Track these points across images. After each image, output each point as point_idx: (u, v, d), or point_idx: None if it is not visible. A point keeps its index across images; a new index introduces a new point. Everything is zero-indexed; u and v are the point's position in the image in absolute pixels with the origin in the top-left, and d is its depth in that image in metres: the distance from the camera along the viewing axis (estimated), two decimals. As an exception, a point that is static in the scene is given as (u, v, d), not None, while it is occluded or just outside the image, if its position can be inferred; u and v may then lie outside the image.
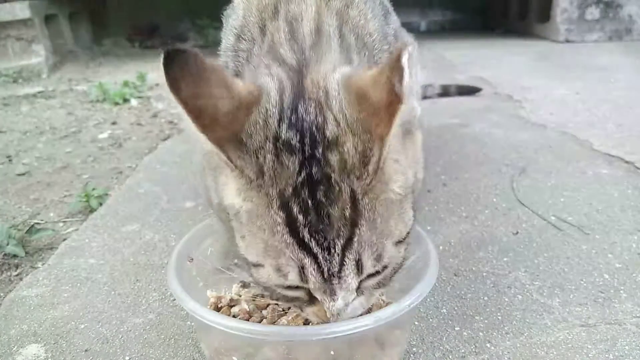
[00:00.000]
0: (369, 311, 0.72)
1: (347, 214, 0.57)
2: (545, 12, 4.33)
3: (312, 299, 0.63)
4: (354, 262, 0.58)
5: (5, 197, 1.57)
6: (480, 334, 0.84)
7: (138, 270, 1.09)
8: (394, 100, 0.52)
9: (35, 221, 1.39)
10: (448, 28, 5.86)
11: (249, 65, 0.76)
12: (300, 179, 0.57)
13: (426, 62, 2.83)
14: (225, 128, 0.56)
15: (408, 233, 0.65)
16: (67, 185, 1.66)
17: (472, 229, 1.19)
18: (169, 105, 2.70)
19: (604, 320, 0.86)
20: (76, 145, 2.08)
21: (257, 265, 0.61)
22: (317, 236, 0.57)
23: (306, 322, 0.73)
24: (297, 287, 0.61)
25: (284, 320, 0.76)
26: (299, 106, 0.60)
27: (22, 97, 2.95)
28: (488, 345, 0.82)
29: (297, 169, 0.57)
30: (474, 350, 0.81)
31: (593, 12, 4.08)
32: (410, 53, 0.52)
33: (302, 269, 0.58)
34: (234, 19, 0.87)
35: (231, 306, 0.82)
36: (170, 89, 0.54)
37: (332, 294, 0.59)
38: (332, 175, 0.57)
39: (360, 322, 0.61)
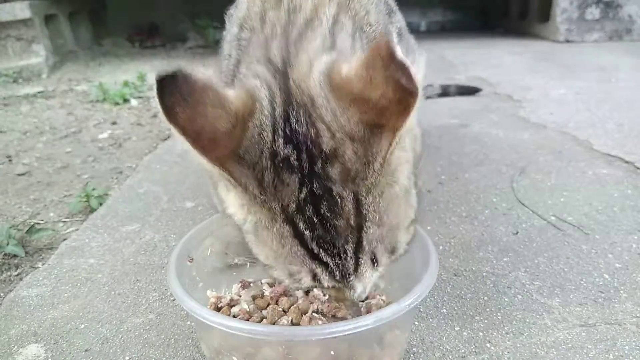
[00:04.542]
0: (368, 311, 0.72)
1: (352, 221, 0.57)
2: (545, 12, 4.33)
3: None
4: (369, 260, 0.59)
5: (5, 197, 1.57)
6: (480, 334, 0.84)
7: (138, 270, 1.09)
8: (404, 95, 0.51)
9: (35, 221, 1.39)
10: (448, 28, 5.86)
11: (247, 55, 0.76)
12: (302, 195, 0.57)
13: (426, 62, 2.83)
14: (225, 146, 0.55)
15: (416, 211, 0.66)
16: (67, 185, 1.66)
17: (472, 229, 1.19)
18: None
19: (604, 320, 0.86)
20: (76, 145, 2.08)
21: (270, 267, 0.63)
22: (325, 246, 0.58)
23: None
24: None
25: (284, 320, 0.76)
26: (290, 115, 0.58)
27: (22, 97, 2.95)
28: (488, 345, 0.82)
29: (298, 186, 0.57)
30: (474, 350, 0.81)
31: (593, 12, 4.08)
32: (394, 42, 0.50)
33: (314, 275, 0.59)
34: (237, 11, 0.87)
35: (231, 306, 0.82)
36: (167, 118, 0.52)
37: (351, 288, 0.62)
38: (334, 187, 0.56)
39: (360, 322, 0.61)
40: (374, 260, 0.60)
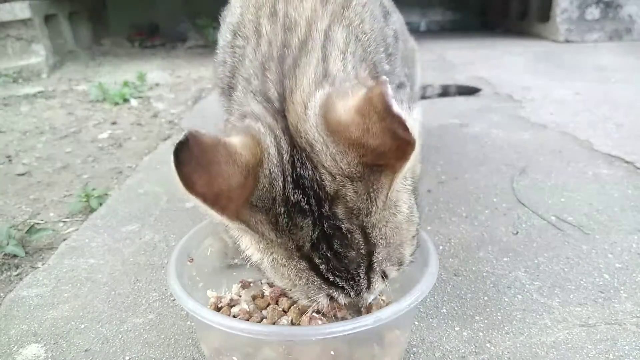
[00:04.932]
0: (368, 311, 0.72)
1: (363, 249, 0.61)
2: (545, 12, 4.33)
3: None
4: (379, 278, 0.64)
5: (5, 197, 1.57)
6: (480, 334, 0.84)
7: (138, 270, 1.09)
8: (401, 144, 0.51)
9: (35, 221, 1.39)
10: (448, 28, 5.87)
11: (242, 68, 0.76)
12: (315, 235, 0.60)
13: (426, 62, 2.83)
14: (239, 199, 0.56)
15: (418, 224, 0.68)
16: (67, 185, 1.66)
17: (472, 229, 1.19)
18: (169, 105, 2.70)
19: (604, 320, 0.86)
20: (76, 145, 2.08)
21: (288, 290, 0.67)
22: (340, 274, 0.62)
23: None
24: None
25: (284, 320, 0.76)
26: (295, 160, 0.60)
27: (22, 97, 2.95)
28: (488, 345, 0.82)
29: (312, 228, 0.60)
30: (474, 350, 0.81)
31: (593, 12, 4.08)
32: (389, 94, 0.50)
33: (331, 297, 0.64)
34: (230, 16, 0.87)
35: (231, 306, 0.82)
36: (186, 189, 0.53)
37: (364, 299, 0.67)
38: (342, 225, 0.59)
39: (360, 322, 0.62)
40: (384, 277, 0.65)
